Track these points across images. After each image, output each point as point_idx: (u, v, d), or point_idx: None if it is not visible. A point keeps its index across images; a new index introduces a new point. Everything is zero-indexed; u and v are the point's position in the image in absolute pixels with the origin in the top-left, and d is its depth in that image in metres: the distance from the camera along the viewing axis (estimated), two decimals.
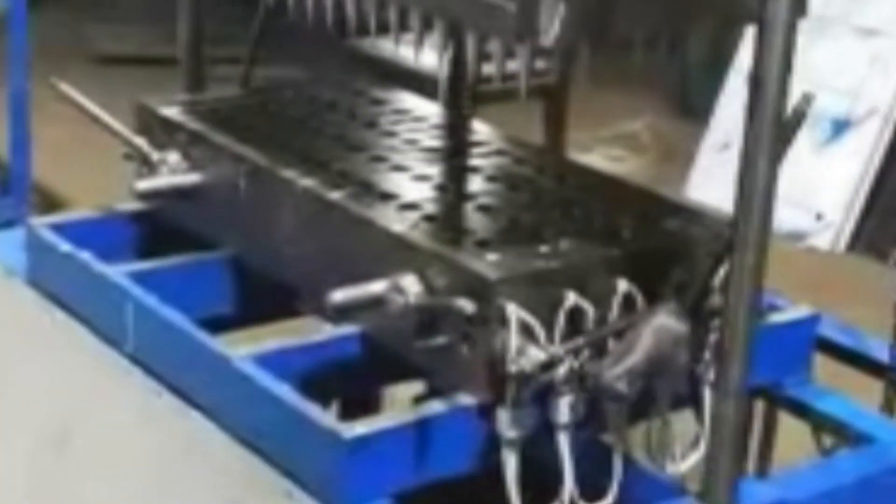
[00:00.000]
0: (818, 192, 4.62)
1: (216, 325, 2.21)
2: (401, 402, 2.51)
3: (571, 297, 1.90)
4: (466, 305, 1.89)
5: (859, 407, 2.16)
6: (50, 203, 5.07)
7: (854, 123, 4.85)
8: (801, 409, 2.17)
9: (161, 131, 2.43)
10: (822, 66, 4.72)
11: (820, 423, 2.14)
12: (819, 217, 4.94)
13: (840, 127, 4.85)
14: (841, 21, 5.07)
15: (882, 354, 2.27)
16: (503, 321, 1.87)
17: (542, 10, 1.74)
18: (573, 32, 1.75)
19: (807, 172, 4.44)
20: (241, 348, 2.08)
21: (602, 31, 1.79)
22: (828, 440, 2.15)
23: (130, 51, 6.85)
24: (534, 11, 1.74)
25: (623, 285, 1.94)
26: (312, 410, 1.90)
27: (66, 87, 2.42)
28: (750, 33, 1.80)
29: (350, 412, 2.08)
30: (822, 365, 2.24)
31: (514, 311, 1.87)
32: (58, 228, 2.42)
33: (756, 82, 1.74)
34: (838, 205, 5.03)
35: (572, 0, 1.74)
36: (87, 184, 4.96)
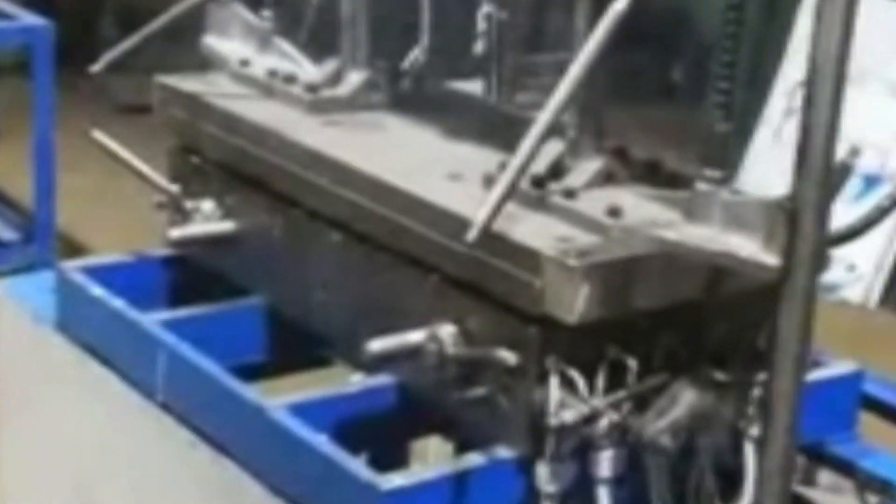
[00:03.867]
0: (850, 246, 4.58)
1: (249, 374, 2.18)
2: (432, 455, 2.48)
3: (613, 351, 1.87)
4: (508, 357, 1.86)
5: None
6: (72, 252, 5.06)
7: (886, 179, 4.83)
8: (845, 467, 2.13)
9: (195, 178, 2.42)
10: (854, 122, 4.69)
11: (865, 481, 2.10)
12: (851, 269, 4.91)
13: (872, 182, 4.83)
14: (875, 76, 5.06)
15: None
16: (543, 374, 1.84)
17: (567, 289, 1.79)
18: (596, 309, 1.81)
19: (839, 226, 4.39)
20: (275, 398, 2.05)
21: (623, 306, 1.84)
22: (872, 499, 2.10)
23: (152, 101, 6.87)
24: (559, 290, 1.80)
25: (665, 339, 1.91)
26: (349, 461, 1.88)
27: (99, 136, 2.42)
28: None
29: (379, 464, 2.05)
30: (870, 424, 2.20)
31: (554, 363, 1.84)
32: (88, 272, 2.41)
33: (804, 135, 1.72)
34: (870, 258, 5.00)
35: (595, 280, 1.79)
36: (109, 233, 4.97)
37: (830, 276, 5.07)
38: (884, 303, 5.02)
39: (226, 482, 2.04)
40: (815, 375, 2.06)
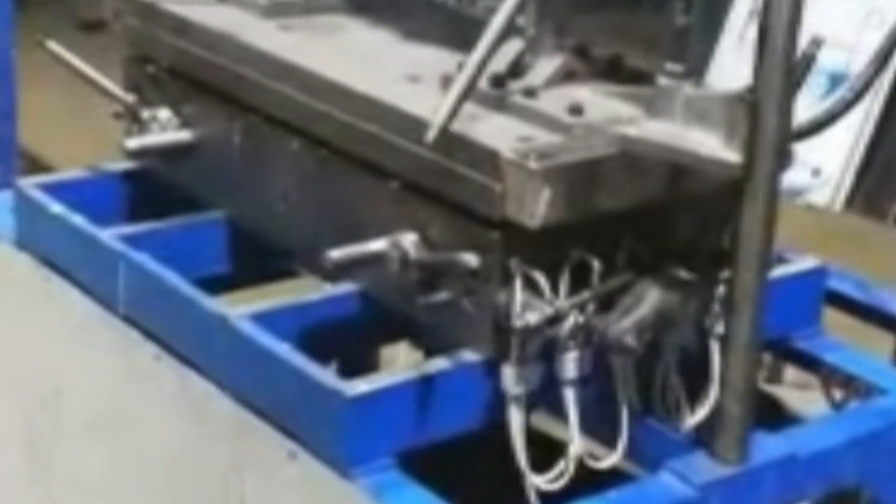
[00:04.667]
0: (815, 148, 4.57)
1: (213, 287, 2.16)
2: (402, 362, 2.47)
3: (576, 252, 1.86)
4: (470, 260, 1.84)
5: (869, 359, 2.12)
6: (37, 169, 4.99)
7: (851, 77, 4.80)
8: (810, 362, 2.13)
9: (151, 87, 2.37)
10: (819, 20, 4.66)
11: (829, 375, 2.11)
12: (816, 173, 4.90)
13: (837, 81, 4.80)
14: None
15: (893, 307, 2.23)
16: (507, 277, 1.83)
17: (528, 192, 1.75)
18: (558, 212, 1.77)
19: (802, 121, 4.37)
20: (239, 308, 2.03)
21: (586, 207, 1.81)
22: (838, 393, 2.11)
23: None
24: (521, 193, 1.77)
25: (629, 239, 1.90)
26: (313, 369, 1.86)
27: (54, 47, 2.37)
28: None
29: (348, 373, 2.04)
30: (836, 321, 2.20)
31: (518, 266, 1.82)
32: (48, 189, 2.37)
33: (766, 24, 1.69)
34: (836, 161, 4.99)
35: (557, 182, 1.75)
36: (72, 151, 4.90)
37: (796, 179, 5.07)
38: (849, 206, 5.03)
39: (190, 393, 2.02)
40: (778, 272, 2.06)
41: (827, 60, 4.81)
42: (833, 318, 2.23)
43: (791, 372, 2.34)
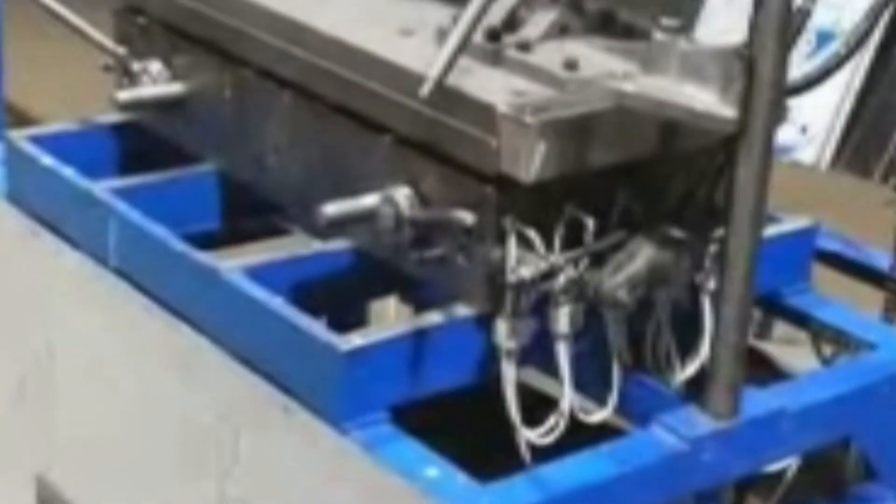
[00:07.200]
0: (802, 105, 4.56)
1: (205, 243, 2.16)
2: (393, 318, 2.48)
3: (570, 209, 1.86)
4: (465, 217, 1.84)
5: (858, 315, 2.13)
6: (24, 123, 4.96)
7: (839, 36, 4.79)
8: (800, 318, 2.14)
9: (142, 39, 2.36)
10: None
11: (819, 331, 2.12)
12: (804, 130, 4.91)
13: (825, 39, 4.80)
14: None
15: (882, 263, 2.24)
16: (501, 233, 1.83)
17: (523, 147, 1.75)
18: (552, 167, 1.77)
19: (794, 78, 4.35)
20: (230, 262, 2.03)
21: (580, 163, 1.81)
22: (827, 349, 2.13)
23: None
24: (515, 148, 1.76)
25: (623, 196, 1.90)
26: (306, 322, 1.87)
27: None
28: None
29: (337, 327, 2.04)
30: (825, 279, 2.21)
31: (511, 223, 1.83)
32: (38, 142, 2.36)
33: None
34: (822, 118, 5.00)
35: (552, 137, 1.75)
36: (60, 104, 4.87)
37: (784, 137, 5.05)
38: (835, 164, 5.04)
39: (182, 347, 2.02)
40: (770, 231, 2.06)
41: (816, 18, 4.79)
42: (824, 278, 2.24)
43: (780, 328, 2.35)
